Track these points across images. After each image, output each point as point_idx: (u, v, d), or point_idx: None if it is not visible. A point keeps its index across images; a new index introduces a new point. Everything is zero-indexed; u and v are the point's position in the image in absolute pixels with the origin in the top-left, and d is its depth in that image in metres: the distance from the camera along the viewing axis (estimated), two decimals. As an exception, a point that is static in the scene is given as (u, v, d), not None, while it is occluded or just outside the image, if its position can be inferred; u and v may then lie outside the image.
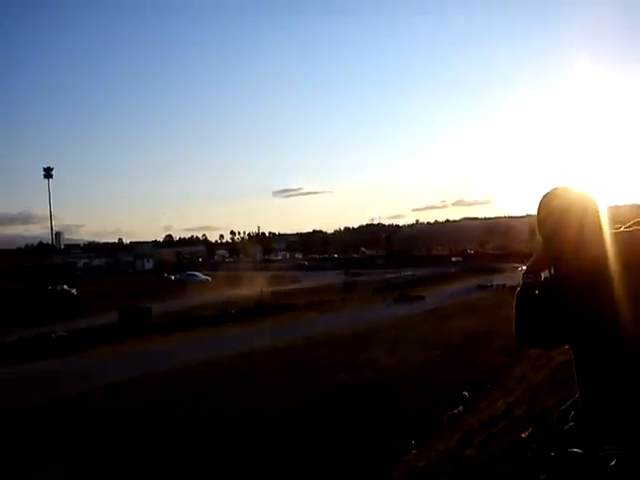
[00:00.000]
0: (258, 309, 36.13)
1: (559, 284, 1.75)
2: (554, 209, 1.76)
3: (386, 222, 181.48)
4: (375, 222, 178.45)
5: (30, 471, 8.01)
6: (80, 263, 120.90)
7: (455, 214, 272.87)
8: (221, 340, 24.64)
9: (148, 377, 15.12)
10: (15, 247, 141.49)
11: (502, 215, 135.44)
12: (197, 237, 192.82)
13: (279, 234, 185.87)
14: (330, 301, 39.62)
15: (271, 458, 7.84)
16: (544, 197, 1.81)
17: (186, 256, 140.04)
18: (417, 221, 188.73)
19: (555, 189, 1.80)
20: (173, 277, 74.70)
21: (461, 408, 9.94)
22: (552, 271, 1.80)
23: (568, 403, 1.93)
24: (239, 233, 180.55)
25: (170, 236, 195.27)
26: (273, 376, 13.87)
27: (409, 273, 65.43)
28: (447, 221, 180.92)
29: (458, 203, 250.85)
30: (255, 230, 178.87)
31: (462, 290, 43.69)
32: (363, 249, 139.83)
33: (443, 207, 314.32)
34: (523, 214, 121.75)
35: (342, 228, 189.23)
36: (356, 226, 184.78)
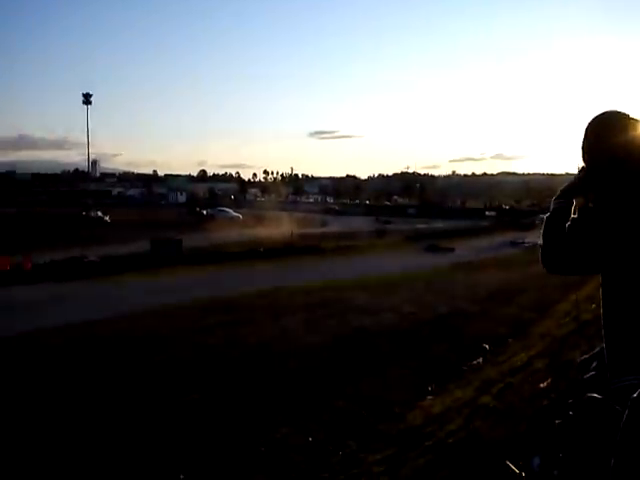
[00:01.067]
0: (286, 249, 36.34)
1: (599, 210, 1.67)
2: (601, 130, 1.69)
3: (421, 171, 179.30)
4: (410, 171, 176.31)
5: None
6: (114, 192, 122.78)
7: (493, 167, 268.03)
8: (248, 276, 24.97)
9: (174, 307, 15.45)
10: (52, 172, 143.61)
11: (541, 172, 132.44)
12: (230, 174, 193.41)
13: (312, 177, 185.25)
14: (359, 246, 39.61)
15: (283, 393, 7.97)
16: (592, 119, 1.75)
17: (218, 192, 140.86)
18: (453, 172, 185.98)
19: (603, 112, 1.74)
20: (205, 212, 75.29)
21: (480, 360, 9.93)
22: (589, 197, 1.73)
23: (591, 353, 1.90)
24: (272, 173, 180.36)
25: (204, 171, 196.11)
26: (296, 314, 14.02)
27: (441, 224, 64.82)
28: (484, 174, 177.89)
29: (497, 157, 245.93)
30: (288, 171, 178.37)
31: (493, 245, 43.19)
32: (396, 197, 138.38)
33: (481, 159, 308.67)
34: (562, 172, 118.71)
35: (376, 175, 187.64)
36: (390, 174, 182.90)
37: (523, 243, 45.37)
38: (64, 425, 7.05)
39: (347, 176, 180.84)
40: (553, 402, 4.34)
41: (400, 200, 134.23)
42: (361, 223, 67.59)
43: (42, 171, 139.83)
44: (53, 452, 6.28)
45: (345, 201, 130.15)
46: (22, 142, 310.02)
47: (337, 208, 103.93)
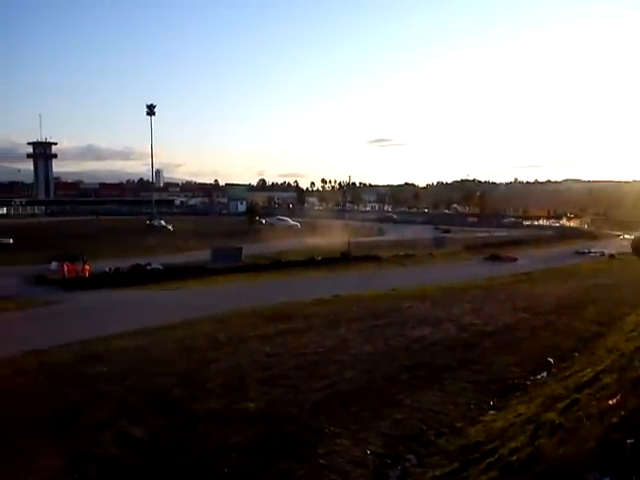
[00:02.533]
0: (344, 258, 36.34)
1: None
2: None
3: (482, 179, 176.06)
4: (470, 178, 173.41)
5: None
6: (177, 201, 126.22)
7: (557, 174, 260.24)
8: (306, 285, 25.11)
9: (232, 314, 15.66)
10: (117, 181, 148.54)
11: (607, 179, 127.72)
12: (289, 183, 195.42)
13: (369, 185, 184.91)
14: (417, 255, 39.18)
15: (338, 403, 7.91)
16: None
17: (277, 201, 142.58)
18: (515, 179, 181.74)
19: None
20: (264, 221, 76.24)
21: (545, 374, 9.60)
22: None
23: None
24: (330, 182, 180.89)
25: (263, 180, 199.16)
26: (353, 323, 13.95)
27: (503, 233, 63.38)
28: (548, 181, 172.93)
29: (561, 163, 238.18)
30: (346, 179, 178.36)
31: (558, 255, 41.81)
32: (455, 205, 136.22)
33: (544, 166, 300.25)
34: (630, 179, 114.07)
35: (435, 182, 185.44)
36: (449, 181, 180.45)
37: (589, 253, 43.86)
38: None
39: (405, 184, 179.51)
40: (623, 420, 4.13)
41: (460, 208, 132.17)
42: (419, 232, 66.89)
43: (108, 180, 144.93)
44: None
45: (403, 209, 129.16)
46: (90, 153, 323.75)
47: (395, 216, 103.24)
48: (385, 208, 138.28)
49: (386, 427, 6.92)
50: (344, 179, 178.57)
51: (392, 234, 65.45)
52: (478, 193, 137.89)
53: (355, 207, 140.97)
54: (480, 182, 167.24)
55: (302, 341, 11.74)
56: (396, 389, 8.52)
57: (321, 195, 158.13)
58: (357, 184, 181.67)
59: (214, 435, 6.53)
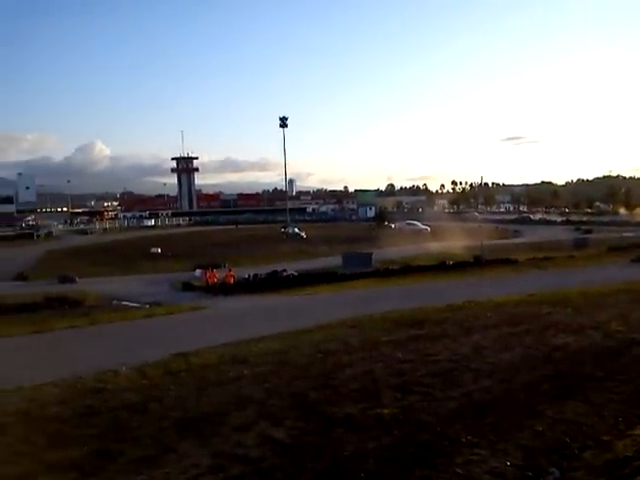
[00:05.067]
0: (477, 262, 35.38)
1: None
2: None
3: (626, 174, 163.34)
4: (613, 174, 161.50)
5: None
6: (309, 208, 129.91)
7: None
8: (438, 290, 24.76)
9: (364, 319, 15.82)
10: (254, 191, 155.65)
11: None
12: (418, 186, 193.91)
13: (503, 185, 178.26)
14: (556, 258, 37.14)
15: (474, 411, 7.73)
16: None
17: (406, 205, 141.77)
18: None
19: None
20: (393, 225, 76.29)
21: None
22: None
23: None
24: (460, 183, 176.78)
25: (392, 185, 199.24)
26: (489, 329, 13.55)
27: (654, 232, 58.33)
28: None
29: None
30: (477, 180, 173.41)
31: None
32: (598, 204, 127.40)
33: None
34: None
35: (574, 180, 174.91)
36: (590, 178, 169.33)
37: None
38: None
39: (542, 183, 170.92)
40: None
41: (603, 206, 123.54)
42: (558, 233, 63.46)
43: (245, 191, 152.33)
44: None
45: (541, 209, 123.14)
46: (228, 165, 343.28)
47: (531, 217, 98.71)
48: (520, 208, 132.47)
49: (526, 438, 6.66)
50: (475, 180, 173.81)
51: (529, 236, 62.72)
52: (623, 190, 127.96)
53: (488, 208, 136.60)
54: (625, 178, 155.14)
55: (435, 347, 11.60)
56: (536, 399, 8.17)
57: (451, 197, 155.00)
58: (489, 184, 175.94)
59: (350, 440, 6.66)
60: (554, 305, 16.95)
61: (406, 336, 12.97)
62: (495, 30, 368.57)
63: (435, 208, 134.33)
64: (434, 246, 49.22)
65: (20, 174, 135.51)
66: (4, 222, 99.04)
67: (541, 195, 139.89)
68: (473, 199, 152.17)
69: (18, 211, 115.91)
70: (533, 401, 8.09)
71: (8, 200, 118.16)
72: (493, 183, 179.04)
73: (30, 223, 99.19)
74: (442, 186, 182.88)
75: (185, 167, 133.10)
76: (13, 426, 7.47)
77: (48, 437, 7.02)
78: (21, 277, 37.91)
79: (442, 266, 34.01)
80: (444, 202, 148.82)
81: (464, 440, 6.59)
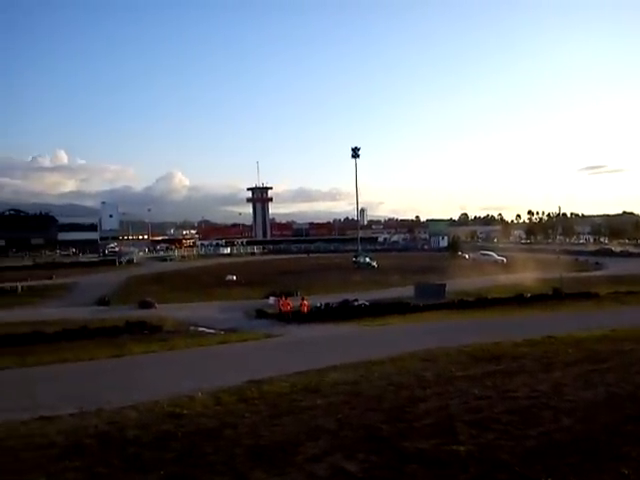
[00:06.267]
0: (556, 295, 34.16)
1: None
2: None
3: None
4: None
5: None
6: (380, 238, 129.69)
7: None
8: (514, 324, 24.03)
9: (438, 352, 15.51)
10: (325, 220, 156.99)
11: None
12: (492, 216, 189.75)
13: (582, 215, 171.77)
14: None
15: (553, 452, 7.39)
16: None
17: (480, 235, 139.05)
18: None
19: None
20: (467, 256, 74.95)
21: None
22: None
23: None
24: (537, 213, 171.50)
25: (465, 214, 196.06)
26: (569, 366, 12.98)
27: None
28: None
29: None
30: (555, 210, 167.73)
31: None
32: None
33: None
34: None
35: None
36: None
37: None
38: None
39: (623, 213, 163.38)
40: None
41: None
42: (643, 266, 60.31)
43: (317, 220, 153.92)
44: None
45: (623, 240, 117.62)
46: (300, 195, 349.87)
47: (613, 249, 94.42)
48: (601, 240, 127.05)
49: (610, 481, 6.32)
50: (553, 210, 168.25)
51: (611, 268, 59.96)
52: None
53: (567, 239, 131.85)
54: None
55: (513, 384, 11.21)
56: (620, 441, 7.72)
57: (528, 227, 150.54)
58: (568, 215, 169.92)
59: (424, 476, 6.51)
60: (638, 341, 16.08)
61: (482, 371, 12.62)
62: (575, 53, 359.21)
63: (511, 238, 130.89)
64: (510, 277, 47.88)
65: (104, 203, 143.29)
66: (89, 249, 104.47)
67: (623, 226, 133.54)
68: (551, 230, 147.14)
69: (102, 238, 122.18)
70: (616, 442, 7.67)
71: (93, 228, 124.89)
72: (572, 213, 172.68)
73: (113, 250, 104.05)
74: (518, 216, 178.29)
75: (260, 197, 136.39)
76: (93, 448, 7.70)
77: (126, 460, 7.17)
78: (104, 302, 39.84)
79: (519, 299, 33.07)
80: (520, 232, 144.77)
81: (544, 481, 6.32)
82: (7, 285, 48.45)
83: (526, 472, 6.66)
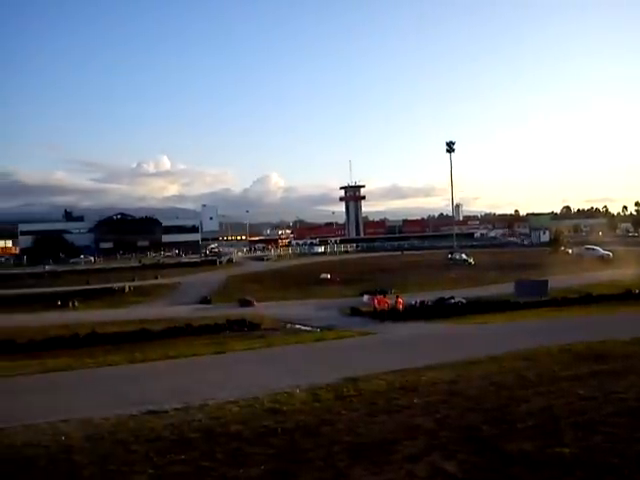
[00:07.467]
0: (670, 290, 31.94)
1: None
2: None
3: None
4: None
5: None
6: (477, 233, 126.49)
7: None
8: (622, 322, 22.67)
9: (540, 351, 14.97)
10: (418, 217, 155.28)
11: None
12: (597, 209, 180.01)
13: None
14: None
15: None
16: None
17: (585, 229, 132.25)
18: None
19: None
20: (570, 251, 71.61)
21: None
22: None
23: None
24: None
25: (568, 207, 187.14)
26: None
27: None
28: None
29: None
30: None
31: None
32: None
33: None
34: None
35: None
36: None
37: None
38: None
39: None
40: None
41: None
42: None
43: (410, 217, 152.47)
44: None
45: None
46: (393, 192, 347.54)
47: None
48: None
49: None
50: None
51: None
52: None
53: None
54: None
55: (620, 384, 10.63)
56: None
57: (636, 220, 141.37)
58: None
59: (528, 479, 6.36)
60: None
61: (587, 371, 12.05)
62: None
63: (617, 232, 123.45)
64: (617, 273, 45.25)
65: (204, 206, 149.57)
66: (191, 250, 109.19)
67: None
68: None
69: (203, 239, 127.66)
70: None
71: (194, 230, 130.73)
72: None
73: (213, 250, 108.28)
74: (624, 208, 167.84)
75: (353, 195, 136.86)
76: (198, 442, 8.03)
77: (229, 454, 7.38)
78: (206, 300, 41.88)
79: (628, 295, 31.23)
80: (627, 225, 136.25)
81: (656, 487, 5.99)
82: (116, 285, 51.70)
83: (636, 476, 6.33)
